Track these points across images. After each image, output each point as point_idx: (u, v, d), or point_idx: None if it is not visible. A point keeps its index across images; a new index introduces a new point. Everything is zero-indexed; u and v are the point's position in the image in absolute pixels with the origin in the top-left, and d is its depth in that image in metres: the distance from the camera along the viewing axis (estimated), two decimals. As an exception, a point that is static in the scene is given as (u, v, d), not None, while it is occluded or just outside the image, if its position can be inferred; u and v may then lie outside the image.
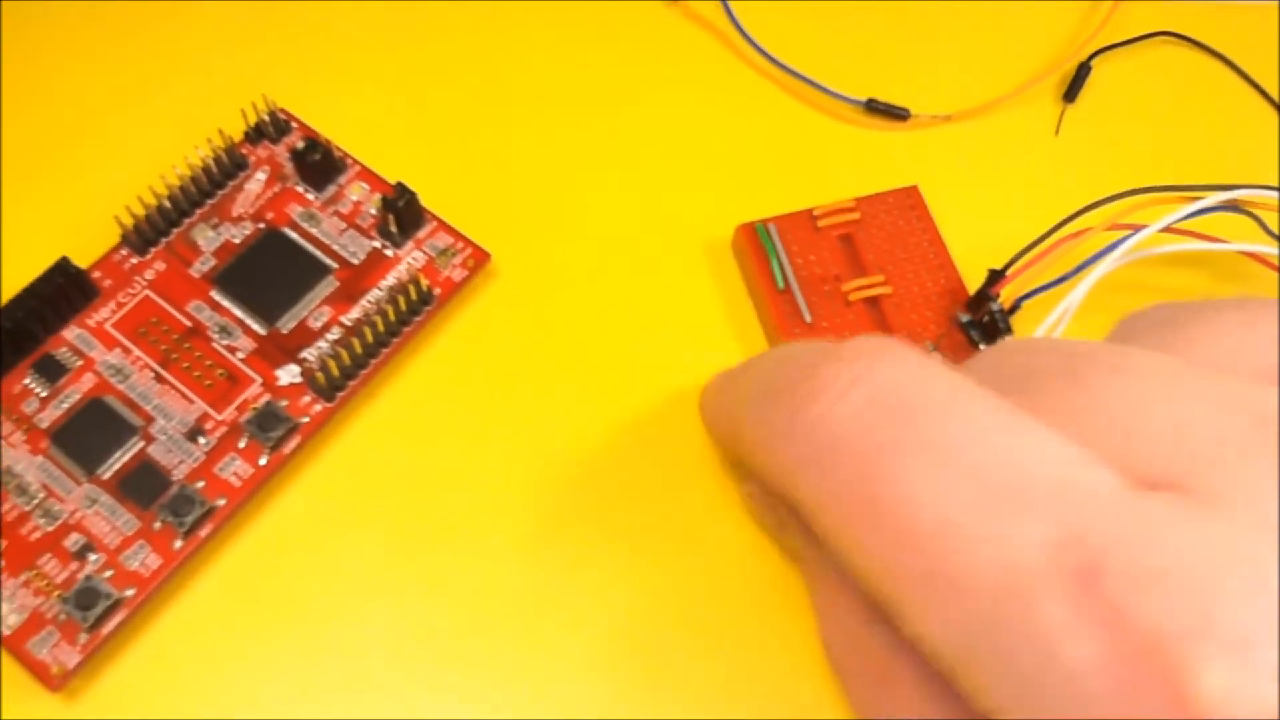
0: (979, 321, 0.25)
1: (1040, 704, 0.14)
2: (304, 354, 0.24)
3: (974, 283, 0.25)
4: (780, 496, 0.18)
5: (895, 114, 0.28)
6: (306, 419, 0.23)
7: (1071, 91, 0.28)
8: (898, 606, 0.16)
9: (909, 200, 0.26)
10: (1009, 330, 0.25)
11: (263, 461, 0.23)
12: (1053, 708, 0.14)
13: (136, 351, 0.24)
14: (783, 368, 0.19)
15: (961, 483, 0.15)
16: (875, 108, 0.28)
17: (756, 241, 0.25)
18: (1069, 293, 0.24)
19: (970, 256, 0.26)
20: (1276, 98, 0.29)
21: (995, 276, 0.25)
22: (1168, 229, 0.24)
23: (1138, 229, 0.24)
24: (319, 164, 0.26)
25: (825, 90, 0.28)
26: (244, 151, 0.27)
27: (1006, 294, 0.25)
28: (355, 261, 0.25)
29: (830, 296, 0.25)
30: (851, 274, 0.25)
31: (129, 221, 0.25)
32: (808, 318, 0.25)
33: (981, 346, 0.25)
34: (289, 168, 0.26)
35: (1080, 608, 0.14)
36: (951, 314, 0.25)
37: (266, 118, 0.27)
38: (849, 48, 0.29)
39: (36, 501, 0.22)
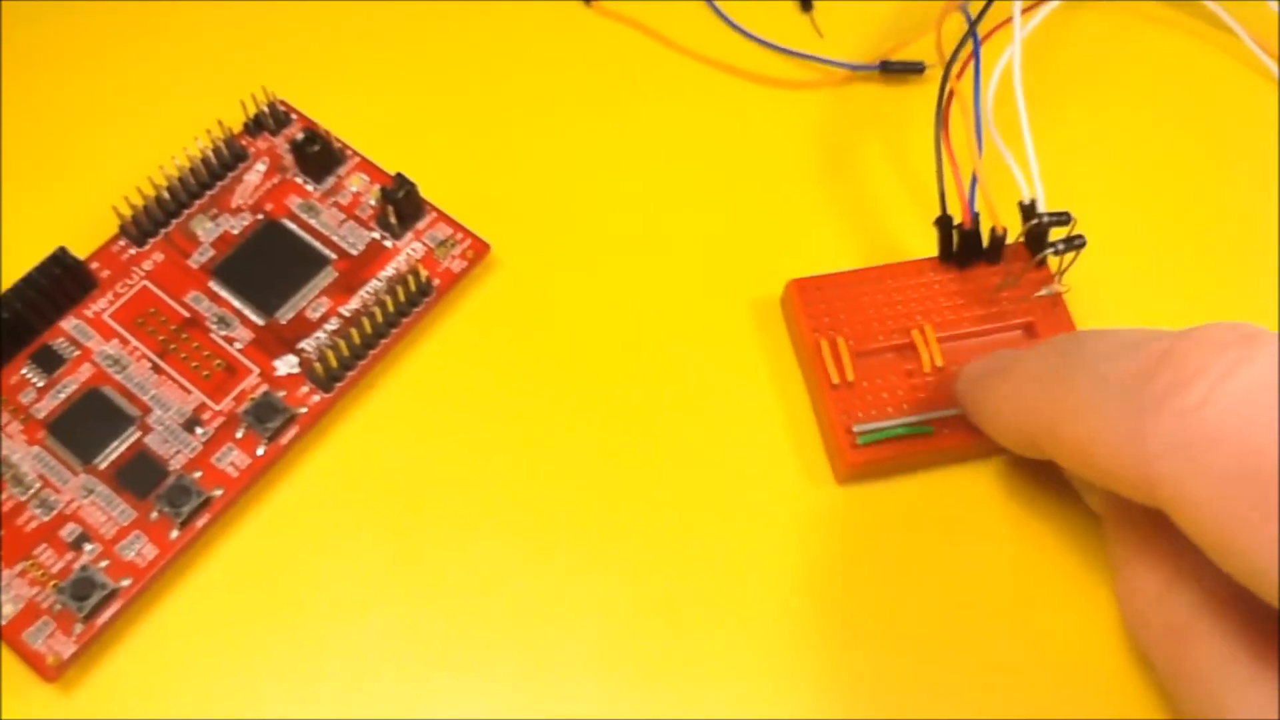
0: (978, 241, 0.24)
1: None
2: (302, 345, 0.24)
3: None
4: (1121, 490, 0.18)
5: (911, 70, 0.28)
6: (304, 410, 0.23)
7: None
8: None
9: (806, 289, 0.25)
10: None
11: (260, 452, 0.23)
12: None
13: (134, 342, 0.24)
14: (1114, 360, 0.18)
15: None
16: (890, 68, 0.28)
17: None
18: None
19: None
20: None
21: (945, 221, 0.25)
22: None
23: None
24: (318, 155, 0.26)
25: (838, 65, 0.28)
26: (244, 143, 0.26)
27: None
28: (354, 252, 0.25)
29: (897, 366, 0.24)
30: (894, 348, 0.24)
31: (127, 212, 0.25)
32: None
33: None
34: (288, 159, 0.26)
35: None
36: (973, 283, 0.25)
37: (266, 109, 0.26)
38: (850, 18, 0.29)
39: (33, 492, 0.22)
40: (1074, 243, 0.24)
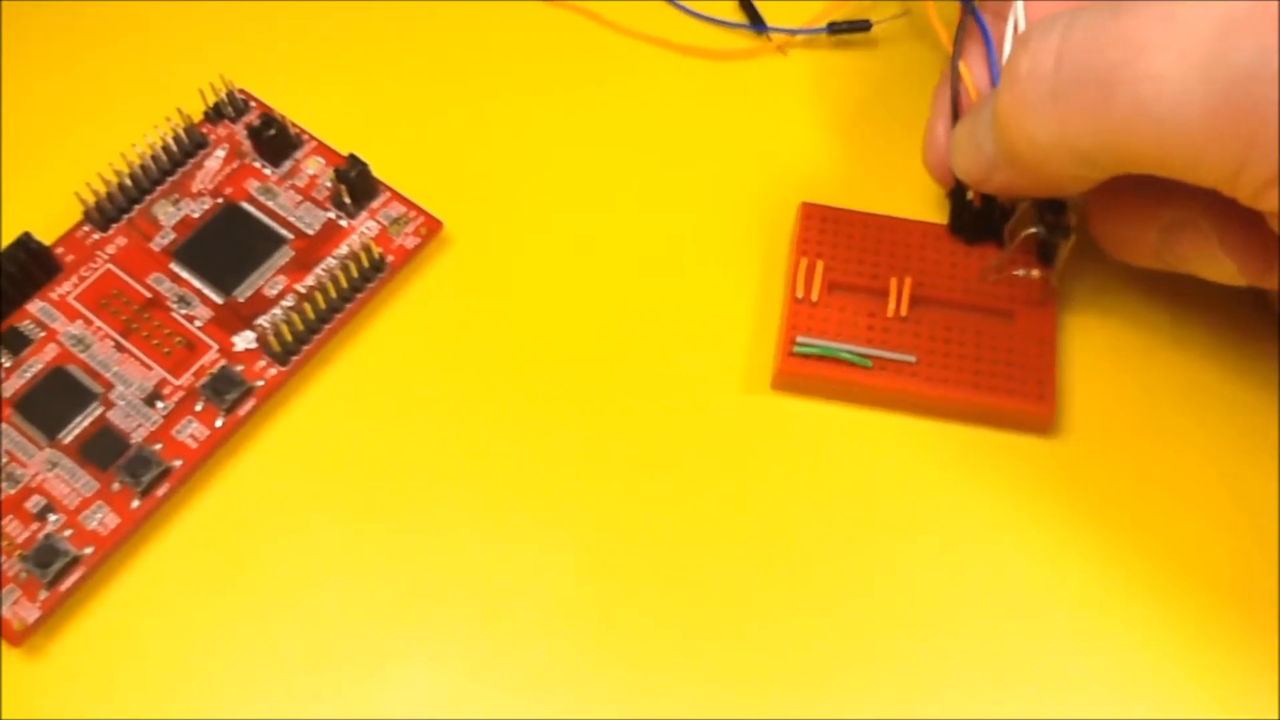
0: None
1: None
2: (259, 320, 0.25)
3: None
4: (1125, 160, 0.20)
5: (857, 28, 0.29)
6: (261, 383, 0.24)
7: None
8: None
9: (813, 214, 0.26)
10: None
11: (219, 424, 0.24)
12: None
13: (98, 322, 0.25)
14: (1084, 53, 0.19)
15: None
16: (838, 29, 0.29)
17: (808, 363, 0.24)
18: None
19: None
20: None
21: (958, 193, 0.25)
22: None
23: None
24: (275, 140, 0.27)
25: (789, 31, 0.29)
26: (204, 130, 0.27)
27: None
28: (310, 232, 0.26)
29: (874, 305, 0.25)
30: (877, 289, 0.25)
31: (91, 199, 0.26)
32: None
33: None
34: (247, 145, 0.27)
35: None
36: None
37: (225, 97, 0.27)
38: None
39: (-1, 466, 0.23)
40: (1056, 230, 0.24)
